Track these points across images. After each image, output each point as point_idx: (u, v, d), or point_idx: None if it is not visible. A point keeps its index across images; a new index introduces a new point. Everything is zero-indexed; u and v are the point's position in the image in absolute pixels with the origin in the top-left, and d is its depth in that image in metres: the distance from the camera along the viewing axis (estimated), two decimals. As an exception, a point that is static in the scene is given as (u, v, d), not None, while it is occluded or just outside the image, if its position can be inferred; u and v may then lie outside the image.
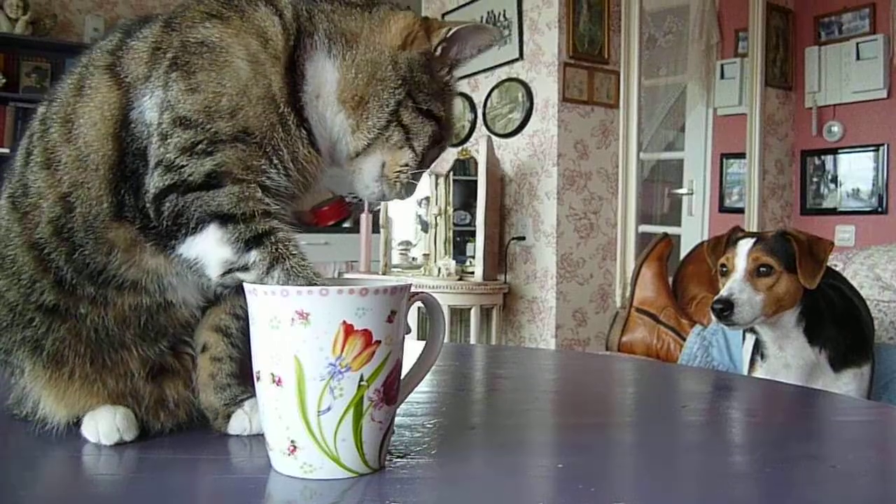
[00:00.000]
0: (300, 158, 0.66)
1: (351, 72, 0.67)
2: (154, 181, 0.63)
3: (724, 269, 1.70)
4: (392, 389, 0.60)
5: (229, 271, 0.63)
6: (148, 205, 0.63)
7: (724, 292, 1.63)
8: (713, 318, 1.66)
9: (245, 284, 0.60)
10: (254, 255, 0.62)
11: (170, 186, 0.62)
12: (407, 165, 0.70)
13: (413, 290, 0.63)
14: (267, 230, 0.63)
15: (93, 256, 0.66)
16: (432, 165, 0.77)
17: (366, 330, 0.57)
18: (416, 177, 0.72)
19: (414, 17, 0.71)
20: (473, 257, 3.93)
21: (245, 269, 0.63)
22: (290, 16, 0.67)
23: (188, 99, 0.62)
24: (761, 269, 1.64)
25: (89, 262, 0.66)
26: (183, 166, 0.62)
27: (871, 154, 4.18)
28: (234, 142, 0.62)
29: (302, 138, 0.66)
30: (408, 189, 0.73)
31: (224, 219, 0.62)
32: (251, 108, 0.63)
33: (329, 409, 0.57)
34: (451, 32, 0.70)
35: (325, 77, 0.67)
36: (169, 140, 0.62)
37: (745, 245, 1.67)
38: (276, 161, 0.64)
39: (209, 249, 0.63)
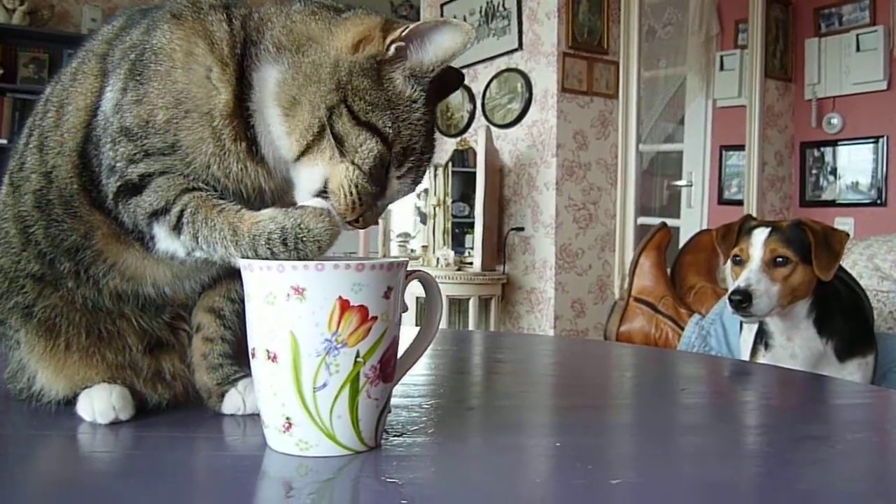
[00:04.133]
0: (232, 175, 0.64)
1: (290, 73, 0.62)
2: (110, 185, 0.64)
3: (738, 259, 1.67)
4: (389, 366, 0.60)
5: (189, 254, 0.64)
6: (114, 211, 0.65)
7: (741, 283, 1.61)
8: (730, 309, 1.63)
9: (240, 260, 0.60)
10: (185, 239, 0.62)
11: (119, 189, 0.63)
12: (352, 181, 0.62)
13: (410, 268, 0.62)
14: (180, 211, 0.62)
15: (67, 234, 0.67)
16: (396, 196, 0.66)
17: (362, 306, 0.57)
18: (366, 201, 0.63)
19: (378, 21, 0.64)
20: (472, 248, 3.93)
21: (194, 250, 0.63)
22: (238, 24, 0.64)
23: (133, 109, 0.62)
24: (777, 259, 1.62)
25: (63, 239, 0.67)
26: (125, 173, 0.63)
27: (871, 146, 4.18)
28: (162, 156, 0.63)
29: (238, 153, 0.63)
30: (366, 218, 0.64)
31: (155, 215, 0.63)
32: (184, 120, 0.62)
33: (325, 385, 0.57)
34: (406, 31, 0.62)
35: (269, 84, 0.63)
36: (117, 147, 0.63)
37: (760, 234, 1.66)
38: (203, 175, 0.63)
39: (169, 244, 0.64)
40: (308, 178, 0.63)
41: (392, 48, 0.62)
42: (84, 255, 0.67)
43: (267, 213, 0.61)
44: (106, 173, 0.64)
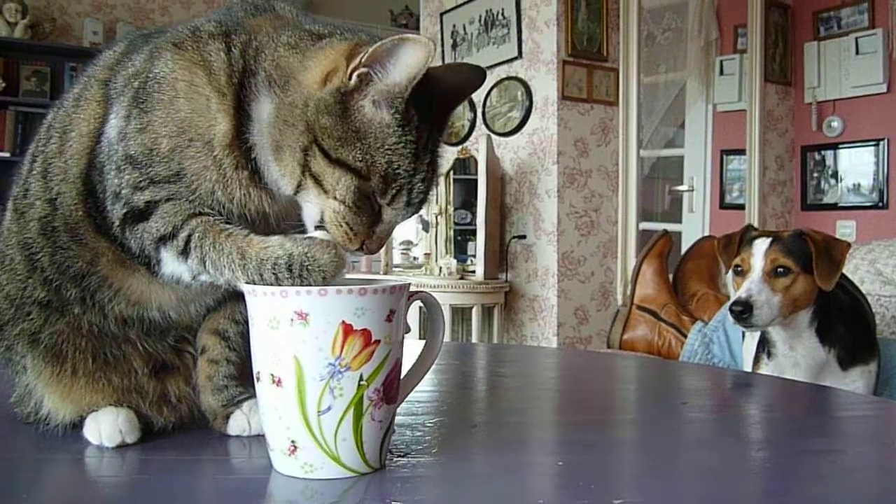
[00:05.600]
0: (236, 200, 0.64)
1: (274, 115, 0.62)
2: (115, 212, 0.64)
3: (739, 269, 1.68)
4: (392, 389, 0.61)
5: (194, 278, 0.64)
6: (120, 237, 0.65)
7: (741, 293, 1.61)
8: (731, 319, 1.63)
9: (244, 286, 0.61)
10: (192, 263, 0.63)
11: (125, 216, 0.64)
12: (338, 213, 0.62)
13: (412, 289, 0.63)
14: (188, 236, 0.63)
15: (73, 261, 0.67)
16: (400, 222, 0.66)
17: (365, 330, 0.57)
18: (360, 231, 0.63)
19: (346, 48, 0.62)
20: (474, 256, 3.94)
21: (200, 274, 0.64)
22: (237, 53, 0.64)
23: (138, 138, 0.63)
24: (779, 269, 1.62)
25: (69, 266, 0.67)
26: (130, 198, 0.64)
27: (872, 149, 4.18)
28: (168, 183, 0.63)
29: (240, 180, 0.64)
30: (367, 246, 0.64)
31: (163, 240, 0.63)
32: (188, 149, 0.63)
33: (329, 408, 0.57)
34: (365, 56, 0.59)
35: (266, 119, 0.63)
36: (122, 174, 0.64)
37: (761, 245, 1.66)
38: (207, 201, 0.64)
39: (175, 268, 0.64)
40: (308, 211, 0.64)
41: (354, 77, 0.60)
42: (90, 281, 0.68)
43: (276, 239, 0.61)
44: (111, 199, 0.65)
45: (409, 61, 0.59)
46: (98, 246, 0.67)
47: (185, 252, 0.63)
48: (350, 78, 0.60)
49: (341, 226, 0.62)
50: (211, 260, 0.62)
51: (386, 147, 0.61)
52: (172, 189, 0.63)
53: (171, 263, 0.64)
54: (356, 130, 0.60)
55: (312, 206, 0.63)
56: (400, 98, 0.60)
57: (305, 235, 0.63)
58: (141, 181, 0.63)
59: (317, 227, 0.63)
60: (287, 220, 0.67)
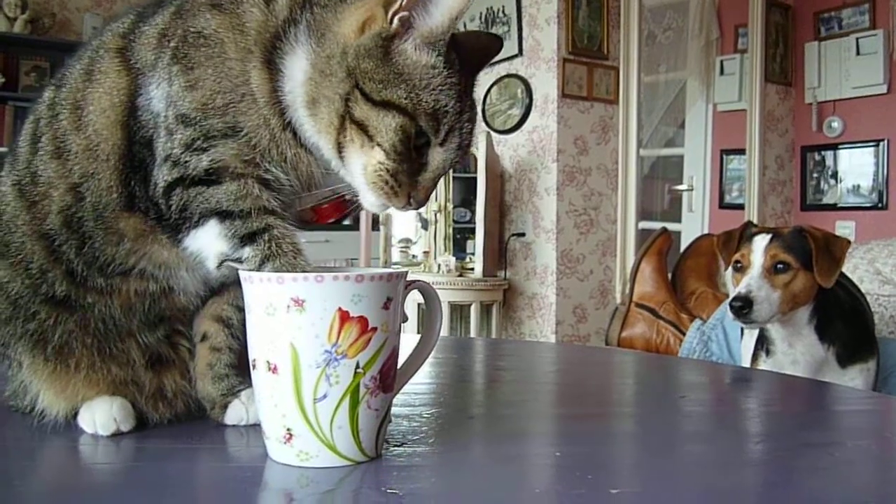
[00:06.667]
0: (289, 160, 0.64)
1: (310, 72, 0.62)
2: (163, 174, 0.63)
3: (739, 265, 1.67)
4: (389, 377, 0.60)
5: (224, 262, 0.64)
6: (159, 198, 0.64)
7: (741, 289, 1.61)
8: (730, 315, 1.63)
9: (240, 272, 0.60)
10: (247, 252, 0.62)
11: (176, 180, 0.63)
12: (382, 164, 0.61)
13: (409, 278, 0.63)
14: (262, 227, 0.62)
15: (102, 248, 0.66)
16: (447, 168, 0.65)
17: (362, 317, 0.57)
18: (404, 182, 0.62)
19: None
20: (473, 254, 3.94)
21: (239, 261, 0.63)
22: (282, 2, 0.63)
23: (187, 96, 0.62)
24: (778, 266, 1.61)
25: (98, 255, 0.66)
26: (187, 161, 0.62)
27: (872, 149, 4.18)
28: (225, 138, 0.62)
29: (287, 140, 0.63)
30: (414, 197, 0.63)
31: (223, 215, 0.62)
32: (241, 104, 0.62)
33: (325, 396, 0.57)
34: (405, 0, 0.59)
35: (298, 77, 0.62)
36: (174, 136, 0.62)
37: (761, 241, 1.66)
38: (267, 157, 0.64)
39: (209, 243, 0.63)
40: (355, 170, 0.63)
41: (395, 21, 0.60)
42: (115, 265, 0.66)
43: None
44: (160, 165, 0.63)
45: (449, 3, 0.59)
46: (119, 226, 0.65)
47: (247, 238, 0.62)
48: (391, 22, 0.60)
49: (386, 180, 0.61)
50: (279, 264, 0.61)
51: (432, 87, 0.61)
52: (231, 146, 0.62)
53: (209, 237, 0.63)
54: (399, 72, 0.60)
55: (356, 164, 0.62)
56: (442, 40, 0.60)
57: None
58: (196, 138, 0.62)
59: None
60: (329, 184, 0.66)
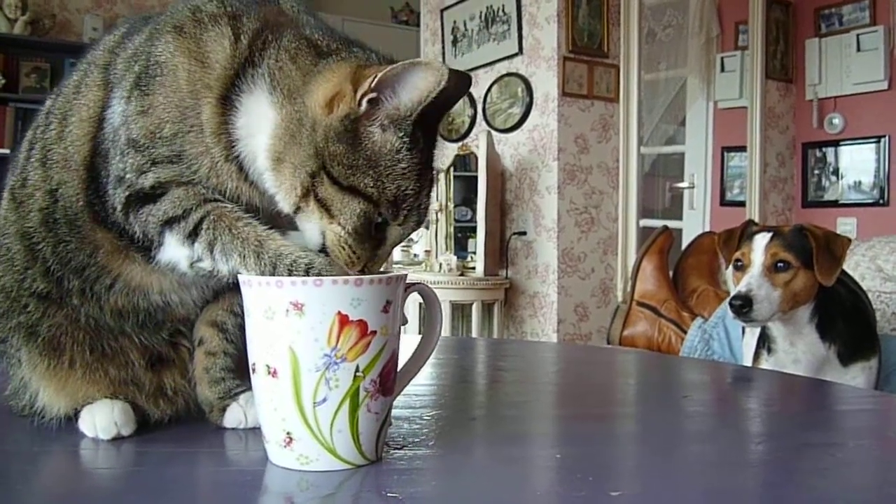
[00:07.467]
0: (228, 191, 0.64)
1: (279, 126, 0.61)
2: (118, 195, 0.64)
3: (740, 263, 1.67)
4: (388, 380, 0.60)
5: (192, 265, 0.64)
6: (122, 223, 0.65)
7: (741, 288, 1.60)
8: (731, 314, 1.63)
9: (240, 276, 0.60)
10: (197, 247, 0.63)
11: (128, 198, 0.64)
12: (341, 237, 0.61)
13: (409, 281, 0.63)
14: (200, 218, 0.62)
15: (75, 253, 0.67)
16: (404, 239, 0.66)
17: (361, 320, 0.57)
18: (363, 255, 0.62)
19: (349, 71, 0.61)
20: (475, 253, 3.93)
21: (201, 259, 0.63)
22: (245, 42, 0.63)
23: (139, 120, 0.63)
24: (779, 264, 1.61)
25: (72, 258, 0.67)
26: (134, 182, 0.63)
27: (873, 146, 4.17)
28: (171, 164, 0.63)
29: (230, 172, 0.63)
30: (369, 267, 0.63)
31: (170, 223, 0.63)
32: (189, 134, 0.63)
33: (325, 400, 0.57)
34: (375, 81, 0.58)
35: (262, 119, 0.62)
36: (126, 158, 0.63)
37: (761, 239, 1.65)
38: (205, 185, 0.64)
39: (173, 254, 0.64)
40: (309, 231, 0.62)
41: (363, 103, 0.60)
42: (90, 272, 0.67)
43: (296, 243, 0.62)
44: (113, 184, 0.64)
45: (419, 85, 0.59)
46: (96, 237, 0.66)
47: (193, 234, 0.62)
48: (360, 104, 0.60)
49: (344, 249, 0.61)
50: (221, 244, 0.61)
51: (396, 172, 0.60)
52: (175, 170, 0.63)
53: (172, 248, 0.64)
54: (367, 157, 0.60)
55: (313, 229, 0.62)
56: (408, 121, 0.60)
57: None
58: (144, 164, 0.63)
59: (321, 250, 0.62)
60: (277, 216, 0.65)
